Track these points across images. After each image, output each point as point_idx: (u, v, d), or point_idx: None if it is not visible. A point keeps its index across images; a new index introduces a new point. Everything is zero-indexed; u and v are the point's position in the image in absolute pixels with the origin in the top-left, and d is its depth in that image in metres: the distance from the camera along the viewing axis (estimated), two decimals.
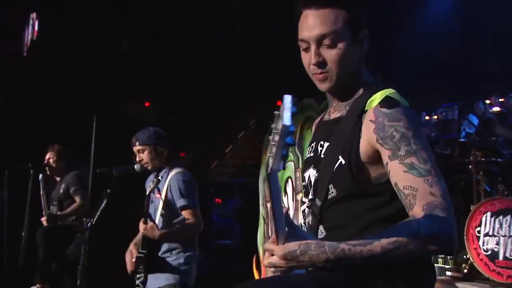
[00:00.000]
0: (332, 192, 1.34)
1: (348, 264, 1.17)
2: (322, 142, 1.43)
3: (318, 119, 1.62)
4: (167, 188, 2.79)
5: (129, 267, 2.69)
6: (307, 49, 1.37)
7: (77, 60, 6.52)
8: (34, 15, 6.71)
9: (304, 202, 1.49)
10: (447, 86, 5.76)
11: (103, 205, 2.68)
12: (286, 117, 1.10)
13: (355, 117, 1.33)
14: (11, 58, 6.66)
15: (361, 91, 1.40)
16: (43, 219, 3.93)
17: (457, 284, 3.21)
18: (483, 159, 3.78)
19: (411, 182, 1.21)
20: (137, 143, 2.84)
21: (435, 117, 5.78)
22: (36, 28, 6.54)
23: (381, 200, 1.29)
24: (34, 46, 6.23)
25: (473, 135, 4.90)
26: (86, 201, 3.98)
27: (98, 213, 2.66)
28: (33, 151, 4.91)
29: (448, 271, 3.44)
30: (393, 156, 1.24)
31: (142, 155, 2.83)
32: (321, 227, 1.37)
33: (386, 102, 1.29)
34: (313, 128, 1.62)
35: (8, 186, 3.78)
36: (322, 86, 1.39)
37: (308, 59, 1.37)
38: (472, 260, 3.26)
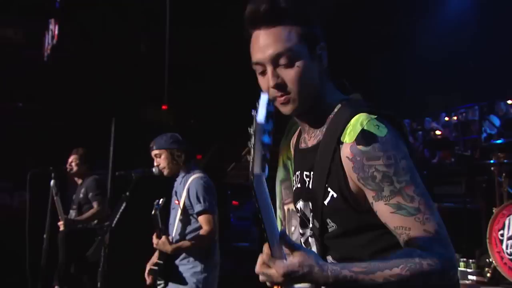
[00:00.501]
0: (332, 226, 1.30)
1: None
2: (307, 173, 1.36)
3: (294, 142, 1.53)
4: (186, 193, 2.79)
5: (148, 281, 2.74)
6: (263, 73, 1.28)
7: (96, 64, 6.60)
8: (53, 20, 6.83)
9: (302, 234, 1.45)
10: (467, 87, 5.66)
11: (122, 208, 2.70)
12: (261, 115, 1.04)
13: (333, 143, 1.26)
14: (31, 63, 6.78)
15: (335, 110, 1.31)
16: (60, 223, 3.98)
17: None
18: (506, 161, 3.70)
19: (401, 223, 1.18)
20: (154, 148, 2.87)
21: (455, 118, 5.68)
22: (55, 33, 6.65)
23: (387, 229, 1.23)
24: (54, 51, 6.33)
25: (495, 136, 4.80)
26: (104, 208, 4.01)
27: (117, 216, 2.68)
28: (54, 154, 4.99)
29: (471, 275, 3.37)
30: (378, 197, 1.20)
31: (159, 160, 2.84)
32: (329, 257, 1.33)
33: (362, 139, 1.20)
34: (292, 154, 1.55)
35: (30, 188, 3.84)
36: (285, 110, 1.29)
37: (266, 83, 1.27)
38: (495, 264, 3.18)
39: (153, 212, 2.67)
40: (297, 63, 1.25)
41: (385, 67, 5.94)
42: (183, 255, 2.75)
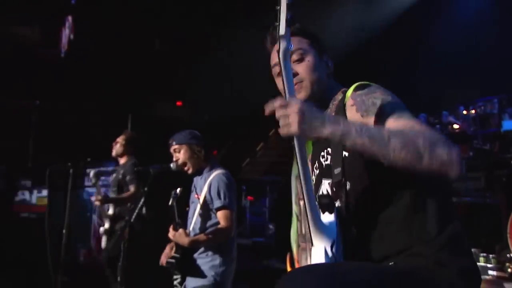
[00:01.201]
0: (351, 189, 1.35)
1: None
2: (323, 153, 1.49)
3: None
4: (207, 188, 2.81)
5: (163, 260, 2.76)
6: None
7: (111, 61, 6.66)
8: (69, 18, 6.90)
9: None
10: (485, 79, 5.57)
11: (141, 203, 2.72)
12: None
13: (341, 111, 1.40)
14: (48, 61, 6.86)
15: (337, 96, 1.51)
16: (96, 198, 4.04)
17: (506, 285, 3.09)
18: None
19: (404, 122, 1.24)
20: (174, 143, 2.89)
21: (473, 111, 5.60)
22: (72, 31, 6.71)
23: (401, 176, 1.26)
24: (70, 48, 6.39)
25: None
26: (139, 191, 4.05)
27: (136, 211, 2.71)
28: (72, 151, 5.05)
29: (491, 270, 3.33)
30: (380, 117, 1.28)
31: (179, 155, 2.87)
32: (352, 228, 1.35)
33: (359, 86, 1.39)
34: (311, 149, 1.64)
35: (49, 185, 3.89)
36: (300, 96, 1.47)
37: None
38: None
39: (170, 202, 2.69)
40: (307, 58, 1.49)
41: (401, 61, 5.88)
42: (202, 249, 2.77)
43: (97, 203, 4.04)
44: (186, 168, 2.87)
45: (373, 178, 1.31)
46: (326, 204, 1.37)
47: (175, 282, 2.73)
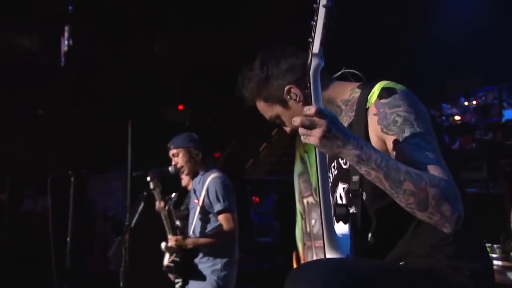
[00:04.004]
0: (366, 197, 1.34)
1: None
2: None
3: None
4: (205, 193, 2.80)
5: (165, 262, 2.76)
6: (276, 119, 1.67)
7: (111, 66, 6.68)
8: (68, 26, 6.93)
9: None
10: (485, 69, 5.53)
11: (141, 207, 2.73)
12: None
13: (363, 117, 1.36)
14: (49, 70, 6.90)
15: (356, 92, 1.45)
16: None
17: (510, 275, 3.07)
18: None
19: (419, 159, 1.20)
20: (172, 147, 2.90)
21: (474, 102, 5.56)
22: (71, 37, 6.74)
23: None
24: (70, 56, 6.42)
25: None
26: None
27: (136, 216, 2.71)
28: (75, 158, 5.07)
29: (496, 260, 3.30)
30: (399, 138, 1.25)
31: (177, 159, 2.87)
32: (369, 235, 1.35)
33: (384, 93, 1.33)
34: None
35: (51, 193, 3.91)
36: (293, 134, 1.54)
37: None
38: None
39: (166, 208, 2.69)
40: (283, 118, 1.59)
41: (399, 54, 5.85)
42: (203, 253, 2.77)
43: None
44: (182, 171, 2.87)
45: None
46: (342, 214, 1.36)
47: (177, 286, 2.74)
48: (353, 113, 1.42)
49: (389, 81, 1.38)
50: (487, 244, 3.36)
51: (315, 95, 1.21)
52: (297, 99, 1.53)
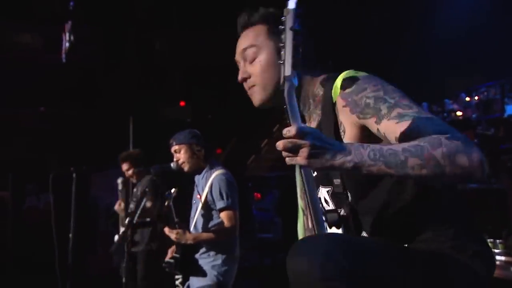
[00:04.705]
0: (352, 198, 1.32)
1: (360, 168, 1.09)
2: None
3: None
4: (208, 189, 2.80)
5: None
6: (243, 60, 1.45)
7: (112, 64, 6.68)
8: (69, 23, 6.93)
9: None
10: (486, 65, 5.52)
11: (143, 204, 2.73)
12: (291, 2, 1.10)
13: (331, 114, 1.32)
14: (50, 67, 6.90)
15: (320, 89, 1.39)
16: (117, 206, 4.05)
17: None
18: None
19: (409, 126, 1.15)
20: (174, 143, 2.89)
21: (476, 97, 5.55)
22: (72, 35, 6.74)
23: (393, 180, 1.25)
24: (71, 53, 6.42)
25: None
26: (155, 206, 4.05)
27: (138, 212, 2.72)
28: (76, 155, 5.08)
29: (498, 255, 3.31)
30: (379, 119, 1.21)
31: (179, 155, 2.87)
32: (364, 234, 1.33)
33: (346, 83, 1.29)
34: None
35: (53, 190, 3.91)
36: (253, 101, 1.44)
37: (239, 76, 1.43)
38: None
39: (166, 203, 2.69)
40: (260, 57, 1.40)
41: (399, 50, 5.84)
42: (203, 249, 2.77)
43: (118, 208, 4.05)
44: (186, 169, 2.87)
45: (374, 183, 1.28)
46: (334, 220, 1.34)
47: (177, 282, 2.74)
48: (320, 112, 1.38)
49: (349, 71, 1.34)
50: (489, 240, 3.37)
51: (293, 115, 1.14)
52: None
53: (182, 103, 8.66)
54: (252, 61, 1.42)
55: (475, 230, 1.31)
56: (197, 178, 2.97)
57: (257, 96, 1.43)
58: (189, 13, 6.41)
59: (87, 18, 6.44)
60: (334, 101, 1.31)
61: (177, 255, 2.70)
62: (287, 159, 1.11)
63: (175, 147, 2.91)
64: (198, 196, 2.88)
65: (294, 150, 1.08)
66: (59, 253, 3.74)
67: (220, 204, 2.77)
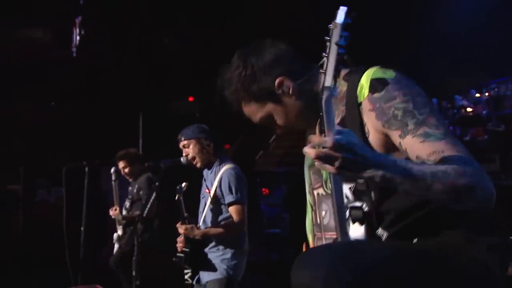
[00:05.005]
0: (375, 196, 1.32)
1: (388, 182, 1.10)
2: None
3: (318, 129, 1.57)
4: (217, 183, 2.81)
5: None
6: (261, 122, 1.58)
7: (121, 60, 6.72)
8: (79, 18, 6.97)
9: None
10: (497, 60, 5.47)
11: (152, 197, 2.76)
12: (340, 17, 1.10)
13: (356, 114, 1.32)
14: (61, 63, 6.96)
15: (343, 85, 1.37)
16: (112, 212, 4.07)
17: None
18: None
19: (433, 148, 1.17)
20: (183, 138, 2.90)
21: (486, 94, 5.51)
22: (82, 31, 6.78)
23: None
24: (81, 48, 6.47)
25: None
26: (153, 205, 4.06)
27: (148, 206, 2.75)
28: (87, 149, 5.13)
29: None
30: (404, 133, 1.21)
31: (188, 150, 2.88)
32: (385, 234, 1.33)
33: (375, 85, 1.28)
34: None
35: (65, 184, 3.96)
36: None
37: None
38: None
39: (176, 197, 2.71)
40: (275, 118, 1.50)
41: (408, 47, 5.80)
42: (213, 243, 2.79)
43: (113, 216, 4.06)
44: (195, 162, 2.88)
45: None
46: (357, 217, 1.34)
47: (186, 276, 2.77)
48: (344, 107, 1.36)
49: (375, 69, 1.32)
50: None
51: (329, 124, 1.13)
52: (290, 92, 1.43)
53: (190, 99, 8.69)
54: (270, 124, 1.52)
55: (492, 225, 1.32)
56: (206, 172, 2.98)
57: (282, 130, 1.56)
58: (198, 9, 6.42)
59: (96, 13, 6.48)
60: (359, 101, 1.31)
61: (187, 249, 2.72)
62: (317, 163, 1.11)
63: (183, 142, 2.92)
64: (207, 191, 2.90)
65: (326, 160, 1.09)
66: (70, 247, 3.80)
67: (229, 198, 2.79)
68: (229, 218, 2.82)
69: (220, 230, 2.79)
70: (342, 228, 1.25)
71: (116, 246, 4.18)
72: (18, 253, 5.95)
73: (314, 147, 1.10)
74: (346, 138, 1.09)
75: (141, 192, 4.24)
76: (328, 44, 1.14)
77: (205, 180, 2.98)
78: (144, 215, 2.73)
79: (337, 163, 1.07)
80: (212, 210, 2.85)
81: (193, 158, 2.87)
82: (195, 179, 3.07)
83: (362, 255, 1.13)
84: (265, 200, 7.79)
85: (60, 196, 4.33)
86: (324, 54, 1.14)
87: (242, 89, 1.46)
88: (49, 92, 7.07)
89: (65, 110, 6.91)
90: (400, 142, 1.22)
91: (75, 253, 3.86)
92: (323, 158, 1.08)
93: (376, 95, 1.27)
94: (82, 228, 3.93)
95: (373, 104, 1.27)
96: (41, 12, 6.52)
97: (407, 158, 1.22)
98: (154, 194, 2.74)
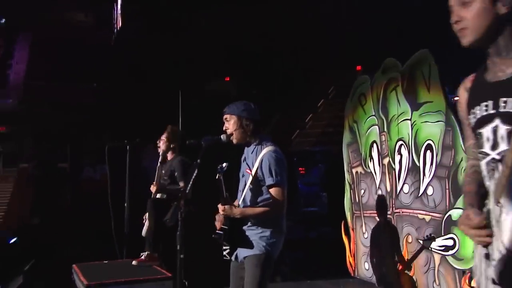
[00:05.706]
0: None
1: None
2: (504, 99, 1.44)
3: (469, 84, 1.60)
4: (258, 164, 2.83)
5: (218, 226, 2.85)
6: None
7: (160, 41, 6.81)
8: (119, 2, 7.09)
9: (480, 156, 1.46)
10: None
11: (194, 175, 2.82)
12: None
13: None
14: (102, 45, 7.14)
15: None
16: (153, 188, 4.16)
17: None
18: None
19: None
20: (227, 111, 2.93)
21: None
22: (121, 15, 6.91)
23: None
24: (122, 31, 6.60)
25: None
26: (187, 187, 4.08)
27: (190, 183, 2.81)
28: (129, 128, 5.28)
29: None
30: None
31: (228, 124, 2.90)
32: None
33: None
34: (469, 88, 1.60)
35: (109, 162, 4.09)
36: (462, 42, 1.50)
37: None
38: None
39: (217, 177, 2.74)
40: (474, 5, 1.48)
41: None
42: (253, 221, 2.83)
43: (153, 191, 4.11)
44: (231, 138, 2.91)
45: None
46: None
47: (225, 253, 2.82)
48: None
49: None
50: None
51: None
52: None
53: (227, 78, 8.74)
54: (466, 5, 1.50)
55: None
56: (246, 150, 3.00)
57: (466, 38, 1.50)
58: None
59: None
60: None
61: (226, 227, 2.77)
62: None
63: (226, 116, 2.94)
64: (248, 171, 2.93)
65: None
66: (115, 222, 3.95)
67: (269, 180, 2.80)
68: (269, 199, 2.84)
69: (259, 210, 2.82)
70: None
71: (146, 224, 4.18)
72: (67, 228, 6.23)
73: None
74: None
75: (176, 174, 4.29)
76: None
77: (245, 159, 3.01)
78: (187, 191, 2.80)
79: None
80: (252, 190, 2.88)
81: (231, 133, 2.90)
82: (236, 156, 3.11)
83: None
84: (302, 179, 7.80)
85: (105, 174, 4.48)
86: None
87: None
88: (91, 74, 7.29)
89: (107, 91, 7.11)
90: None
91: (120, 227, 4.01)
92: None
93: None
94: (125, 204, 4.05)
95: None
96: None
97: None
98: (195, 172, 2.80)
